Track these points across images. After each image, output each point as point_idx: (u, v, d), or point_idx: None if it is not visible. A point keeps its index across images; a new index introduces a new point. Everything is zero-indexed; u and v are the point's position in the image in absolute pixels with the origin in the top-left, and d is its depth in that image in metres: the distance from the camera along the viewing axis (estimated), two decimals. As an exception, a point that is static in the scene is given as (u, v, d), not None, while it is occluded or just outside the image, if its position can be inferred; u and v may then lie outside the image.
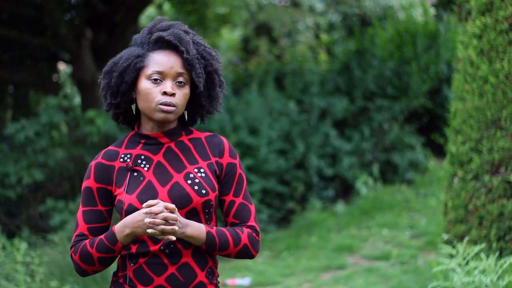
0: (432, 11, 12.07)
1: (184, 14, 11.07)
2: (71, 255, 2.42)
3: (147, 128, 2.44)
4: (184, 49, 2.39)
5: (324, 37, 12.26)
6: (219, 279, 2.49)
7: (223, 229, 2.38)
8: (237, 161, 2.46)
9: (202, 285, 2.39)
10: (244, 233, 2.40)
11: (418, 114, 11.14)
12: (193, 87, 2.44)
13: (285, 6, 12.53)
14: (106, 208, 2.42)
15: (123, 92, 2.41)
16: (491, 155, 4.46)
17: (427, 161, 10.55)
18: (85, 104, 9.18)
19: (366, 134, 10.10)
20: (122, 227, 2.30)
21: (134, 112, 2.45)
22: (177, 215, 2.25)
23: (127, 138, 2.47)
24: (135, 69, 2.40)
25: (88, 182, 2.41)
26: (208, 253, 2.40)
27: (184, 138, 2.46)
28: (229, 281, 6.75)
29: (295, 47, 12.01)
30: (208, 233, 2.33)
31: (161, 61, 2.38)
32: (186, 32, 2.45)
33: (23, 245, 5.32)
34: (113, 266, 2.56)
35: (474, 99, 4.58)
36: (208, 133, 2.49)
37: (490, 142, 4.48)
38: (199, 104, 2.46)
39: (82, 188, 2.44)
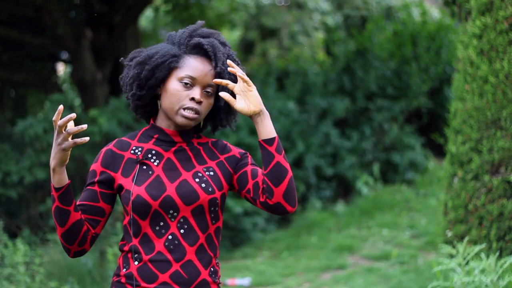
0: (434, 11, 12.07)
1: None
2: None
3: (163, 124, 2.48)
4: (216, 62, 2.44)
5: (322, 37, 12.25)
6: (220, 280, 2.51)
7: None
8: (243, 151, 2.53)
9: (206, 283, 2.41)
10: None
11: (419, 114, 11.14)
12: (215, 99, 2.48)
13: (285, 6, 12.51)
14: (101, 190, 2.43)
15: (150, 86, 2.45)
16: (491, 155, 4.46)
17: (426, 162, 10.55)
18: (85, 104, 9.16)
19: (366, 133, 10.09)
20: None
21: (159, 107, 2.48)
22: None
23: (141, 132, 2.51)
24: (169, 68, 2.43)
25: (95, 166, 2.45)
26: (212, 252, 2.43)
27: (195, 141, 2.51)
28: (229, 281, 6.74)
29: (297, 48, 12.00)
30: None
31: (195, 67, 2.43)
32: (223, 44, 2.50)
33: (24, 246, 5.32)
34: (112, 266, 2.55)
35: (474, 99, 4.58)
36: (212, 139, 2.55)
37: (490, 142, 4.48)
38: (217, 117, 2.53)
39: (89, 171, 2.48)
